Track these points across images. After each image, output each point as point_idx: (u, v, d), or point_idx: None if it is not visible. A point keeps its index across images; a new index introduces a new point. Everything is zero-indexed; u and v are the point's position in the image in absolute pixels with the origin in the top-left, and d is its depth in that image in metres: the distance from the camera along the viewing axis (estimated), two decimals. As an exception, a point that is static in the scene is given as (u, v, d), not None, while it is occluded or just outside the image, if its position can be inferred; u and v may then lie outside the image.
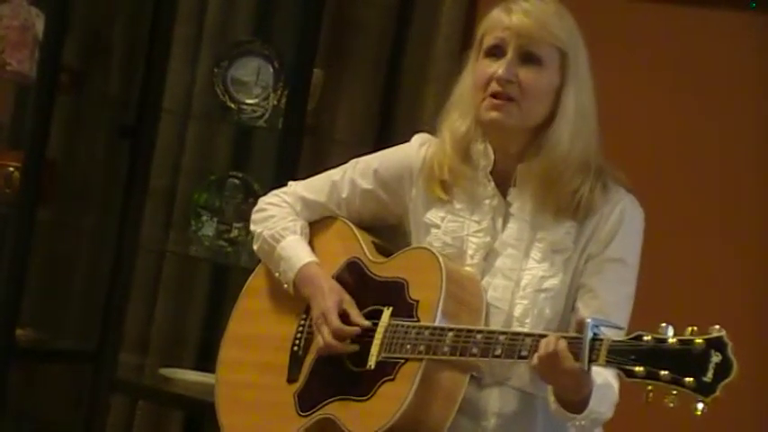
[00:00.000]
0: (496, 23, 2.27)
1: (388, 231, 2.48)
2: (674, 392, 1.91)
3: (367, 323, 2.30)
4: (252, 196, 3.65)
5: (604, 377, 2.10)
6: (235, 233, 3.73)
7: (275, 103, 3.67)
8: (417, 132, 2.45)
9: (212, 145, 3.93)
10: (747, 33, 3.26)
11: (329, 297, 2.33)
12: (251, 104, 3.72)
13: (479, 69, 2.28)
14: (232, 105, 3.73)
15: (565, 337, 2.05)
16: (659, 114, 3.35)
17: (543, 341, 2.07)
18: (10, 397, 3.87)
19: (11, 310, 3.71)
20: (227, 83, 3.73)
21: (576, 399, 2.09)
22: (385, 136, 3.59)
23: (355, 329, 2.29)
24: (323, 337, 2.30)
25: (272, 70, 3.70)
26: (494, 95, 2.24)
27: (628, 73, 3.34)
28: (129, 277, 3.83)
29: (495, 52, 2.26)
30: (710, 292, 3.26)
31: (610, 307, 2.22)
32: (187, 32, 3.91)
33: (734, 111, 3.28)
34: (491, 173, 2.30)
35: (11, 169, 3.79)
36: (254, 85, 3.72)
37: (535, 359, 2.07)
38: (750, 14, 3.24)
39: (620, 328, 2.04)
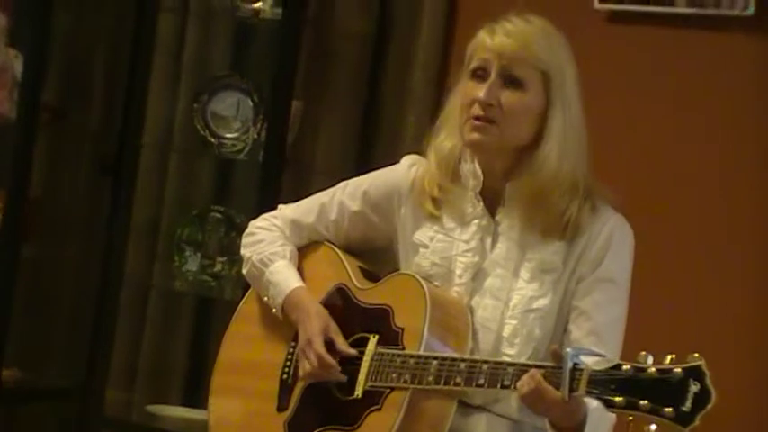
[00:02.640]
0: (480, 45, 2.30)
1: (375, 255, 2.49)
2: (654, 422, 1.91)
3: (352, 351, 2.31)
4: (234, 230, 3.65)
5: None
6: (218, 267, 3.73)
7: (255, 136, 3.68)
8: (397, 161, 2.47)
9: (193, 179, 3.93)
10: (746, 46, 3.27)
11: (315, 323, 2.34)
12: (231, 138, 3.73)
13: (464, 91, 2.30)
14: (212, 140, 3.74)
15: (545, 367, 2.07)
16: (658, 129, 3.36)
17: (522, 379, 2.07)
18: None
19: (-5, 350, 3.71)
20: (207, 117, 3.74)
21: (570, 425, 2.10)
22: (365, 165, 3.58)
23: (333, 363, 2.29)
24: (309, 363, 2.31)
25: (251, 104, 3.71)
26: (476, 117, 2.26)
27: (624, 89, 3.37)
28: (114, 313, 3.83)
29: (480, 74, 2.28)
30: (703, 311, 3.26)
31: (602, 328, 2.24)
32: (165, 67, 3.92)
33: (733, 125, 3.28)
34: (480, 192, 2.32)
35: (-7, 209, 3.79)
36: (233, 120, 3.73)
37: (520, 398, 2.08)
38: (749, 30, 3.26)
39: (600, 355, 2.04)
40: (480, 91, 2.26)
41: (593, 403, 2.09)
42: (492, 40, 2.27)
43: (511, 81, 2.26)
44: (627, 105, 3.37)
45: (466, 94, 2.29)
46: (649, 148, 3.36)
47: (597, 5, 3.39)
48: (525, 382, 2.06)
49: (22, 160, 3.71)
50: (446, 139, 2.35)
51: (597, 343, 2.16)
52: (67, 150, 4.07)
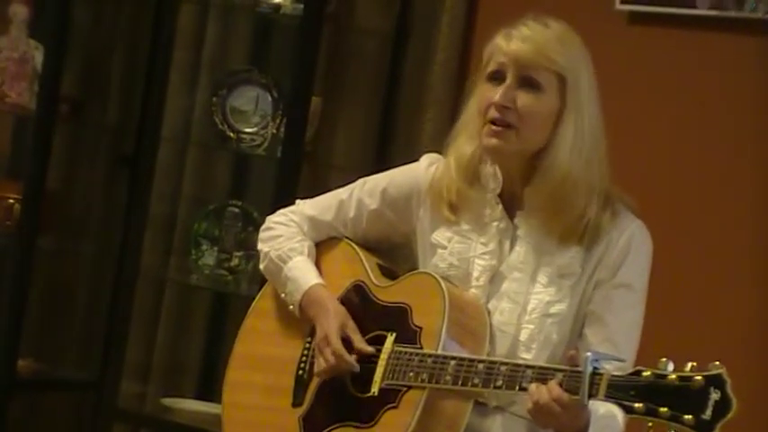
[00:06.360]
0: (497, 49, 2.28)
1: (394, 252, 2.49)
2: (674, 429, 1.91)
3: (369, 349, 2.30)
4: (251, 225, 3.66)
5: (608, 408, 2.09)
6: (235, 262, 3.74)
7: (274, 131, 3.68)
8: (415, 158, 2.46)
9: (211, 173, 3.94)
10: (751, 54, 3.27)
11: (333, 320, 2.34)
12: (250, 133, 3.73)
13: (481, 94, 2.29)
14: (231, 134, 3.74)
15: (564, 371, 2.06)
16: (678, 131, 3.35)
17: (535, 393, 2.06)
18: (11, 428, 3.87)
19: (12, 341, 3.72)
20: (226, 112, 3.75)
21: None
22: (382, 162, 3.59)
23: (350, 359, 2.29)
24: (324, 359, 2.31)
25: (270, 99, 3.72)
26: (493, 122, 2.25)
27: (644, 89, 3.36)
28: (130, 306, 3.84)
29: (496, 77, 2.27)
30: (718, 319, 3.25)
31: (618, 335, 2.23)
32: (185, 61, 3.93)
33: (755, 127, 3.26)
34: (499, 195, 2.32)
35: (11, 201, 3.80)
36: (252, 114, 3.73)
37: (531, 409, 2.07)
38: (755, 38, 3.25)
39: (621, 360, 2.04)
40: (496, 94, 2.25)
41: (599, 411, 2.09)
42: (508, 45, 2.26)
43: (527, 83, 2.25)
44: (647, 106, 3.37)
45: (482, 97, 2.28)
46: (669, 149, 3.35)
47: (618, 6, 3.39)
48: (538, 396, 2.05)
49: (41, 152, 3.72)
50: (465, 143, 2.33)
51: (612, 350, 2.16)
52: (85, 143, 4.09)
